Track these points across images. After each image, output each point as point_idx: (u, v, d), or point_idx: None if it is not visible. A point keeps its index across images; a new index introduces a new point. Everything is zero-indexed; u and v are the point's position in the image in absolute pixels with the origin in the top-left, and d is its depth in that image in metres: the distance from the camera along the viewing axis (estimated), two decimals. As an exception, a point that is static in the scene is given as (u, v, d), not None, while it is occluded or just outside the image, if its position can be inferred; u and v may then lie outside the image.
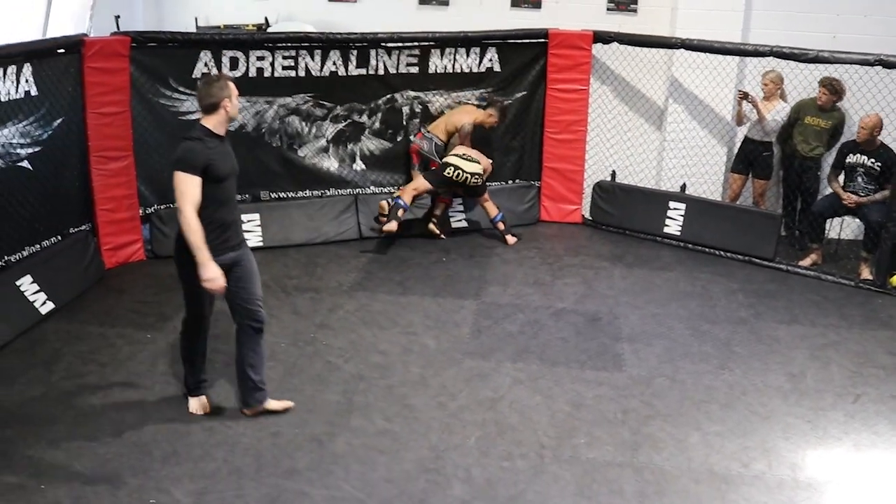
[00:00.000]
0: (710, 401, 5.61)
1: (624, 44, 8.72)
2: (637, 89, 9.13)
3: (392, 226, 7.94)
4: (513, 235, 8.53)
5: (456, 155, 8.25)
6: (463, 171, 8.12)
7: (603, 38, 8.73)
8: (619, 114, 9.21)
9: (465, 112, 8.58)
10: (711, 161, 8.96)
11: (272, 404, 5.29)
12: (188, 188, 4.71)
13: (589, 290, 7.42)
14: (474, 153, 8.33)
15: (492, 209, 8.48)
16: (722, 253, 8.27)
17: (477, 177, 8.20)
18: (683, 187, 8.78)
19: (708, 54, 8.41)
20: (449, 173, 8.15)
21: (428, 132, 8.55)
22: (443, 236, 8.58)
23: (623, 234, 8.85)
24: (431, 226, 8.59)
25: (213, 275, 4.80)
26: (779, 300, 7.29)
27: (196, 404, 5.31)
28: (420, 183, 8.23)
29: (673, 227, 8.58)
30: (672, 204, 8.62)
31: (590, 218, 9.16)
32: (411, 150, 8.64)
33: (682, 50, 8.47)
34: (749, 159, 8.58)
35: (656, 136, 9.25)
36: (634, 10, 9.27)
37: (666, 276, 7.76)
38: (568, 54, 8.76)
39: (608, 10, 9.35)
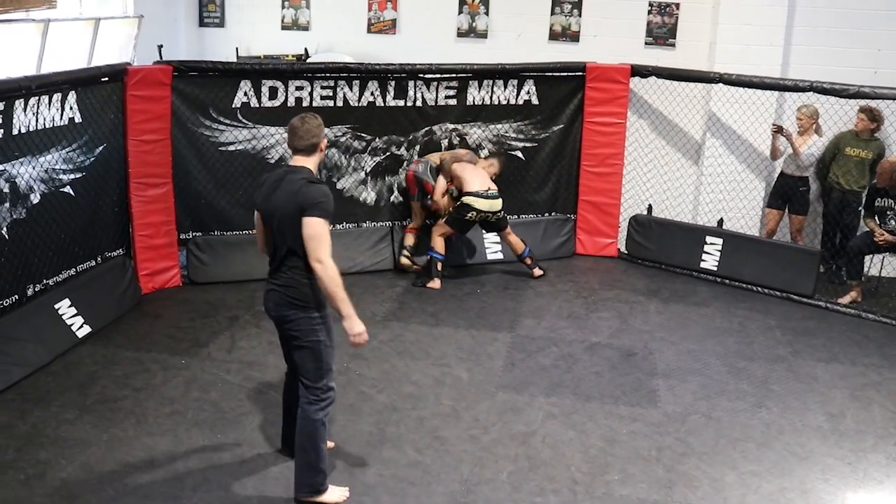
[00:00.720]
0: (747, 439, 5.51)
1: (662, 78, 8.71)
2: (674, 123, 9.11)
3: (436, 283, 7.96)
4: (539, 268, 8.45)
5: (473, 194, 7.86)
6: (482, 211, 7.90)
7: (641, 71, 8.73)
8: (656, 147, 9.19)
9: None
10: (749, 196, 8.88)
11: None
12: (328, 235, 4.37)
13: (624, 324, 7.35)
14: (488, 179, 8.06)
15: (518, 244, 8.34)
16: (759, 289, 8.17)
17: (500, 213, 8.05)
18: (720, 222, 8.70)
19: (747, 89, 8.37)
20: (471, 217, 7.91)
21: (423, 158, 8.49)
22: (416, 266, 8.30)
23: (659, 268, 8.78)
24: (404, 259, 8.33)
25: (362, 328, 4.49)
26: (818, 338, 7.17)
27: (338, 493, 4.72)
28: (443, 229, 8.05)
29: (710, 262, 8.50)
30: (709, 239, 8.55)
31: (625, 252, 9.10)
32: (407, 178, 8.52)
33: (721, 84, 8.44)
34: (785, 194, 8.50)
35: (693, 170, 9.20)
36: (673, 45, 9.28)
37: (702, 312, 7.68)
38: (605, 88, 8.77)
39: (646, 44, 9.37)
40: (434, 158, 8.40)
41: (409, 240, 8.38)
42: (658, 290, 8.21)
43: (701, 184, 9.08)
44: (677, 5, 9.23)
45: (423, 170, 8.39)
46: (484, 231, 8.55)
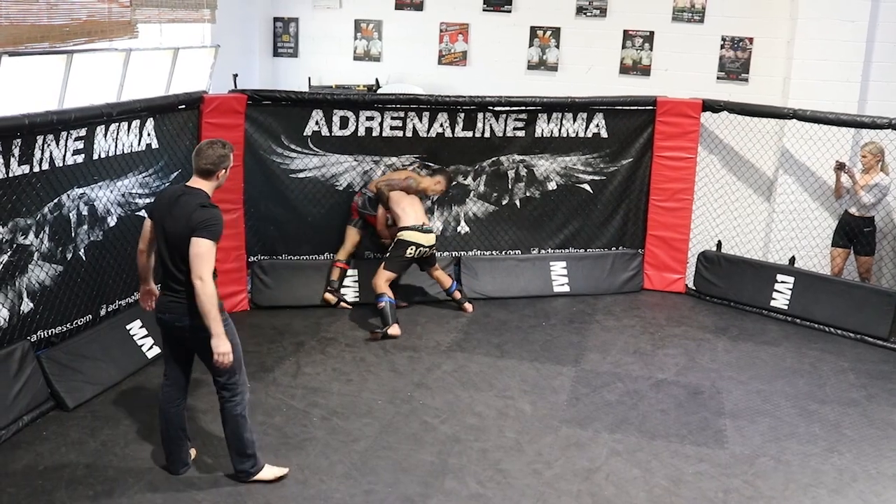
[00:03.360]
0: (818, 485, 5.35)
1: (734, 113, 8.61)
2: (746, 159, 8.99)
3: (396, 329, 7.45)
4: (469, 302, 8.17)
5: (409, 228, 7.65)
6: (422, 245, 7.64)
7: (712, 106, 8.64)
8: (727, 183, 9.06)
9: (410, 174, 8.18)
10: (822, 235, 8.69)
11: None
12: (212, 256, 4.71)
13: (691, 361, 7.23)
14: (422, 212, 7.86)
15: (445, 279, 8.06)
16: (832, 330, 7.97)
17: (434, 247, 7.80)
18: (792, 260, 8.53)
19: (821, 125, 8.23)
20: (411, 253, 7.62)
21: (364, 188, 8.28)
22: (343, 305, 8.11)
23: (727, 305, 8.63)
24: (327, 295, 8.11)
25: (228, 348, 4.74)
26: (893, 382, 6.95)
27: (274, 471, 5.17)
28: (387, 275, 7.60)
29: (780, 300, 8.32)
30: (780, 277, 8.38)
31: (693, 288, 8.97)
32: (352, 208, 8.30)
33: (794, 120, 8.31)
34: (849, 234, 8.29)
35: (765, 206, 9.05)
36: (745, 80, 9.19)
37: (772, 352, 7.51)
38: (676, 122, 8.69)
39: (718, 78, 9.31)
40: (371, 187, 8.12)
41: (334, 273, 8.16)
42: (726, 327, 8.07)
43: (772, 221, 8.93)
44: (751, 40, 9.15)
45: (362, 203, 8.17)
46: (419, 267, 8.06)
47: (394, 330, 7.42)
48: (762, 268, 8.59)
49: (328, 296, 8.11)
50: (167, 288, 4.88)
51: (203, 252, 4.64)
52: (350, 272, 8.22)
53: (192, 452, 5.32)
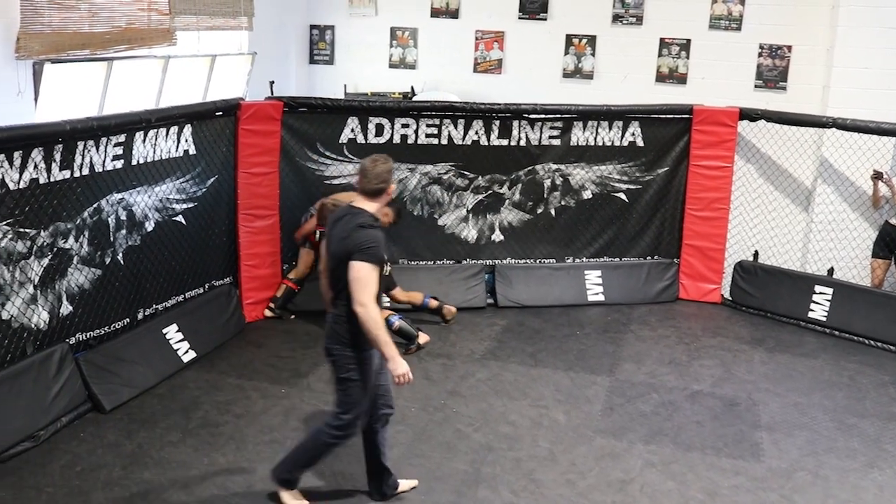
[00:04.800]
0: (857, 501, 5.26)
1: (772, 121, 8.53)
2: (784, 168, 8.89)
3: (424, 337, 7.35)
4: (450, 305, 7.93)
5: None
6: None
7: (750, 115, 8.56)
8: (764, 193, 8.97)
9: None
10: (862, 245, 8.57)
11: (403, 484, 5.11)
12: (373, 280, 4.46)
13: (727, 373, 7.15)
14: None
15: (415, 296, 7.76)
16: (871, 342, 7.85)
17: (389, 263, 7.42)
18: (831, 271, 8.42)
19: (862, 134, 8.12)
20: (387, 272, 7.49)
21: (312, 207, 7.99)
22: (278, 315, 7.89)
23: (764, 316, 8.53)
24: (267, 311, 7.90)
25: (405, 368, 4.52)
26: (935, 397, 6.85)
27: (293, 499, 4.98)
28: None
29: (818, 311, 8.21)
30: (818, 288, 8.27)
31: (729, 298, 8.88)
32: (305, 228, 8.01)
33: (834, 129, 8.21)
34: (890, 245, 8.17)
35: (803, 216, 8.94)
36: (784, 88, 9.10)
37: (809, 364, 7.41)
38: (713, 131, 8.62)
39: (756, 87, 9.23)
40: (325, 201, 7.60)
41: (280, 290, 7.91)
42: (763, 338, 7.97)
43: (810, 231, 8.82)
44: (789, 48, 9.05)
45: (305, 220, 8.01)
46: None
47: (423, 338, 7.34)
48: (800, 278, 8.49)
49: (267, 312, 7.88)
50: (329, 310, 4.73)
51: (362, 276, 4.41)
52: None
53: (402, 485, 5.10)
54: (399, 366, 4.48)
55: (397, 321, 7.25)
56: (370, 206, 4.61)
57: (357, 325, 4.47)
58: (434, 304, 7.85)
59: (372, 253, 4.43)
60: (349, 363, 4.61)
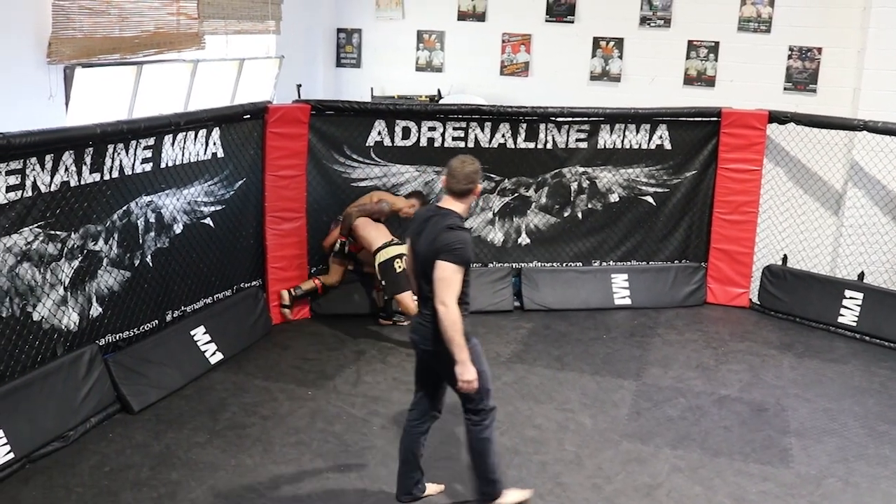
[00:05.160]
0: (889, 508, 5.21)
1: (801, 124, 8.44)
2: (813, 172, 8.80)
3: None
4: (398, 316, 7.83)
5: (385, 245, 7.45)
6: (405, 254, 7.06)
7: (779, 118, 8.49)
8: (794, 196, 8.88)
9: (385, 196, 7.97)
10: (894, 249, 8.46)
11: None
12: (457, 281, 4.51)
13: (755, 378, 7.09)
14: (384, 230, 7.64)
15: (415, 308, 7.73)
16: (903, 348, 7.77)
17: (403, 259, 7.30)
18: (861, 276, 8.33)
19: (893, 137, 8.03)
20: (399, 265, 7.31)
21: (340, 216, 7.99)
22: (288, 315, 7.87)
23: (793, 321, 8.44)
24: (284, 310, 7.86)
25: (473, 375, 4.58)
26: (967, 403, 6.75)
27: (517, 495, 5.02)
28: (407, 295, 7.19)
29: (848, 317, 8.12)
30: (848, 293, 8.18)
31: (758, 303, 8.80)
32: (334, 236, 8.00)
33: (865, 132, 8.12)
34: None
35: (832, 220, 8.85)
36: (814, 90, 9.02)
37: (839, 369, 7.33)
38: (741, 134, 8.56)
39: (785, 89, 9.15)
40: (349, 210, 7.75)
41: (306, 283, 7.92)
42: (792, 343, 7.90)
43: (840, 235, 8.73)
44: (819, 50, 8.97)
45: (333, 225, 8.05)
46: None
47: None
48: (830, 283, 8.40)
49: (283, 292, 7.83)
50: (419, 312, 4.81)
51: (447, 276, 4.46)
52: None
53: (429, 489, 5.11)
54: (468, 371, 4.54)
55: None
56: (458, 207, 4.67)
57: (465, 319, 4.56)
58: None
59: (458, 254, 4.49)
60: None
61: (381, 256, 7.42)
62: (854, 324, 8.08)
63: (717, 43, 9.38)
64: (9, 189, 5.24)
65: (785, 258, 8.77)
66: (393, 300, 7.71)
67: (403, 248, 7.36)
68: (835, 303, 8.23)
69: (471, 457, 4.90)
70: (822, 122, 8.36)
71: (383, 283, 7.48)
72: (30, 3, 6.55)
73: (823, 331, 8.21)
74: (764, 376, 7.12)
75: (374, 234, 7.58)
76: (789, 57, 9.12)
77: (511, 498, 4.96)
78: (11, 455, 5.16)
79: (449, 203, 4.68)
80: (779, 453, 5.82)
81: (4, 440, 5.15)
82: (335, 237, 7.83)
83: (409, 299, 7.18)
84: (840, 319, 8.17)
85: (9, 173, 5.22)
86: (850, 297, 8.16)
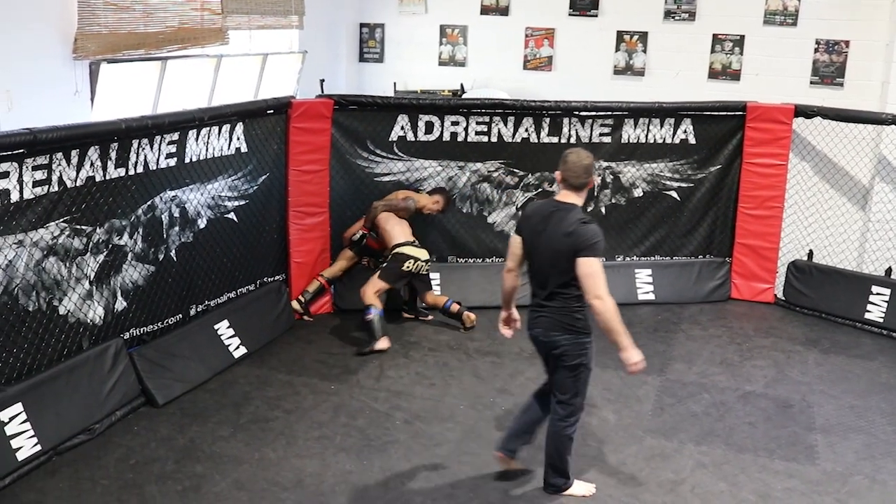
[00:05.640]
0: (916, 505, 5.16)
1: (828, 118, 8.36)
2: (840, 166, 8.70)
3: (384, 342, 7.15)
4: (471, 311, 7.76)
5: (405, 243, 7.52)
6: (419, 259, 7.49)
7: (805, 112, 8.41)
8: (820, 191, 8.79)
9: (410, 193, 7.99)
10: (922, 245, 8.38)
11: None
12: (603, 272, 4.62)
13: (780, 374, 7.03)
14: (410, 231, 7.67)
15: (439, 300, 7.73)
16: (931, 344, 7.68)
17: (429, 263, 7.66)
18: (889, 271, 8.24)
19: (923, 132, 7.94)
20: (408, 267, 7.43)
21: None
22: (305, 316, 7.82)
23: (819, 317, 8.37)
24: (295, 304, 7.79)
25: (640, 357, 4.72)
26: None
27: (583, 488, 5.16)
28: (379, 285, 7.37)
29: (875, 313, 8.04)
30: (875, 289, 8.09)
31: (783, 298, 8.73)
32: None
33: (893, 126, 8.02)
34: None
35: (859, 215, 8.75)
36: (840, 84, 8.90)
37: (866, 366, 7.25)
38: (767, 128, 8.48)
39: (812, 83, 9.04)
40: (375, 204, 7.78)
41: (312, 285, 7.87)
42: (817, 339, 7.83)
43: (867, 230, 8.63)
44: (847, 43, 8.86)
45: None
46: (408, 290, 7.89)
47: (382, 343, 7.12)
48: (856, 279, 8.32)
49: (295, 304, 7.80)
50: (536, 304, 4.89)
51: (595, 271, 4.57)
52: (433, 275, 8.19)
53: (512, 464, 5.29)
54: (634, 355, 4.68)
55: (374, 315, 7.17)
56: (578, 200, 4.76)
57: (583, 313, 4.74)
58: (455, 308, 7.72)
59: (599, 248, 4.61)
60: (581, 350, 4.80)
61: (401, 250, 7.46)
62: (881, 320, 7.99)
63: (742, 36, 9.29)
64: (35, 184, 5.29)
65: (811, 253, 8.70)
66: (420, 297, 7.77)
67: (420, 253, 7.49)
68: (861, 298, 8.14)
69: (547, 447, 5.04)
70: (849, 117, 8.27)
71: (383, 265, 7.51)
72: (56, -1, 6.60)
73: (850, 327, 8.13)
74: (789, 372, 7.06)
75: (398, 230, 7.60)
76: (816, 50, 9.01)
77: (578, 490, 5.09)
78: (39, 447, 5.21)
79: (568, 197, 4.76)
80: (804, 450, 5.77)
81: (32, 433, 5.20)
82: (357, 228, 7.84)
83: (373, 289, 7.29)
84: (867, 315, 8.09)
85: (35, 168, 5.27)
86: (878, 293, 8.07)
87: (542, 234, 4.74)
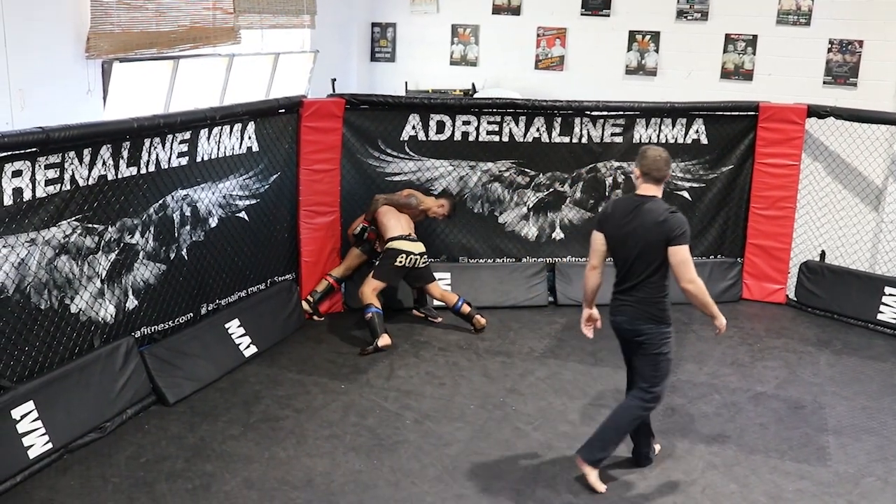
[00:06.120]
0: (929, 508, 5.12)
1: (841, 118, 8.32)
2: (853, 167, 8.66)
3: (386, 339, 7.14)
4: (481, 316, 7.67)
5: (399, 237, 7.47)
6: (412, 253, 7.43)
7: (818, 112, 8.37)
8: (832, 191, 8.75)
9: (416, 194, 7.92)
10: (935, 246, 8.33)
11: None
12: (691, 258, 4.95)
13: (792, 375, 7.00)
14: (409, 225, 7.63)
15: (449, 297, 7.65)
16: (944, 346, 7.63)
17: (425, 256, 7.56)
18: (902, 272, 8.21)
19: (936, 132, 7.90)
20: (401, 262, 7.38)
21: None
22: (314, 316, 7.80)
23: (831, 318, 8.33)
24: (305, 304, 7.79)
25: (724, 320, 5.17)
26: None
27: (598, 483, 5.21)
28: (374, 284, 7.38)
29: (888, 314, 7.99)
30: (888, 290, 8.05)
31: (794, 299, 8.69)
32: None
33: (907, 127, 7.99)
34: None
35: (872, 216, 8.71)
36: (854, 84, 8.86)
37: (878, 367, 7.21)
38: (779, 128, 8.45)
39: (825, 83, 9.00)
40: (377, 196, 7.78)
41: (320, 285, 7.86)
42: (829, 340, 7.79)
43: (880, 231, 8.59)
44: (860, 43, 8.81)
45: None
46: (411, 287, 7.90)
47: (384, 341, 7.11)
48: (869, 279, 8.28)
49: (305, 305, 7.79)
50: (622, 292, 5.10)
51: (687, 258, 4.89)
52: (444, 275, 8.20)
53: (657, 448, 5.54)
54: (723, 319, 5.13)
55: (372, 313, 7.17)
56: (659, 192, 5.03)
57: (665, 303, 5.03)
58: (466, 309, 7.65)
59: (687, 235, 4.91)
60: (663, 339, 5.05)
61: (393, 244, 7.44)
62: (894, 321, 7.95)
63: (755, 36, 9.25)
64: (48, 182, 5.31)
65: (823, 254, 8.66)
66: (428, 294, 7.77)
67: (414, 246, 7.46)
68: (874, 299, 8.10)
69: (609, 421, 5.18)
70: (862, 117, 8.23)
71: (376, 263, 7.52)
72: (69, -2, 6.63)
73: (862, 328, 8.09)
74: (801, 373, 7.03)
75: (393, 223, 7.57)
76: (829, 50, 8.97)
77: (593, 478, 5.16)
78: (50, 445, 5.23)
79: (650, 190, 5.01)
80: (816, 451, 5.75)
81: (43, 430, 5.23)
82: (359, 222, 7.84)
83: (370, 288, 7.33)
84: (879, 316, 8.04)
85: (48, 167, 5.29)
86: (890, 294, 8.03)
87: (630, 227, 4.97)
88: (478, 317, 7.67)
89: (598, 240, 5.15)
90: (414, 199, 7.78)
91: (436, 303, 7.91)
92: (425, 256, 7.59)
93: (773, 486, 5.30)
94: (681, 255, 4.87)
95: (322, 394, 6.35)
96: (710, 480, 5.34)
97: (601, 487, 5.14)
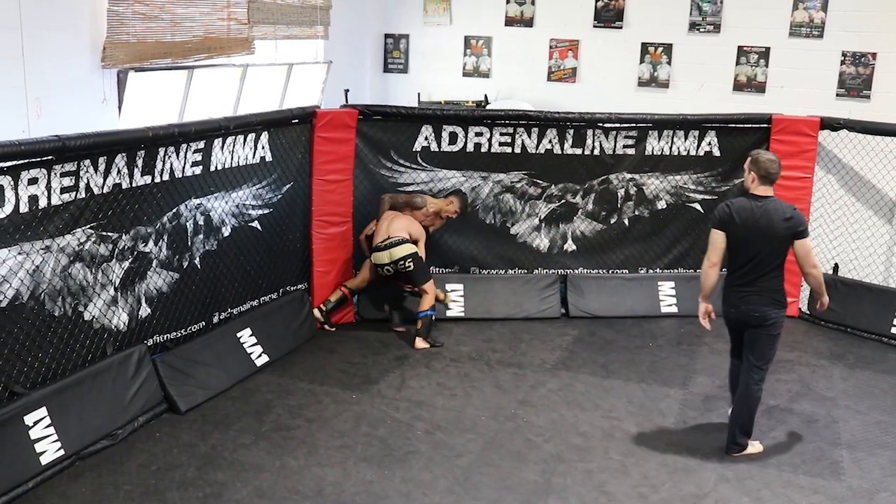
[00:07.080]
0: (944, 524, 5.08)
1: (854, 131, 8.29)
2: (867, 179, 8.63)
3: (422, 343, 7.45)
4: (425, 341, 7.50)
5: (374, 250, 7.59)
6: (380, 265, 7.55)
7: (831, 124, 8.35)
8: (845, 204, 8.71)
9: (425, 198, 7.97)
10: (949, 260, 8.29)
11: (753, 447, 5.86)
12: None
13: (805, 388, 6.97)
14: (394, 228, 7.55)
15: (424, 302, 7.54)
16: (959, 360, 7.58)
17: (409, 259, 7.45)
18: (916, 286, 8.16)
19: (950, 146, 7.86)
20: (384, 272, 7.61)
21: None
22: (326, 326, 7.80)
23: (844, 331, 8.29)
24: (316, 312, 7.79)
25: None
26: None
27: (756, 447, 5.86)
28: (431, 291, 7.57)
29: (902, 328, 7.97)
30: (902, 303, 8.02)
31: (807, 312, 8.65)
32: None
33: (921, 140, 7.96)
34: None
35: (886, 229, 8.67)
36: (867, 96, 8.86)
37: (892, 381, 7.17)
38: (792, 140, 8.43)
39: (838, 95, 9.00)
40: (384, 196, 7.86)
41: (334, 294, 7.87)
42: (843, 354, 7.75)
43: (894, 244, 8.55)
44: (874, 55, 8.80)
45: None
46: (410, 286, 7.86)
47: (419, 344, 7.47)
48: (883, 293, 8.24)
49: (317, 313, 7.78)
50: (746, 284, 5.60)
51: (811, 248, 5.64)
52: (456, 286, 8.20)
53: (757, 447, 5.89)
54: (826, 297, 5.78)
55: (429, 314, 7.53)
56: (772, 192, 5.59)
57: (784, 289, 5.67)
58: (418, 325, 7.58)
59: (808, 228, 5.57)
60: (781, 322, 5.66)
61: (372, 258, 7.65)
62: (908, 335, 7.92)
63: (767, 48, 9.26)
64: (63, 190, 5.33)
65: (836, 267, 8.62)
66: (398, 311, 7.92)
67: (381, 257, 7.52)
68: (888, 313, 8.06)
69: (738, 409, 5.77)
70: (876, 129, 8.20)
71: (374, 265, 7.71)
72: (86, 8, 6.68)
73: (876, 342, 8.05)
74: (814, 387, 7.00)
75: (381, 226, 7.61)
76: (842, 62, 8.97)
77: (753, 448, 5.80)
78: (62, 452, 5.25)
79: (764, 191, 5.57)
80: (829, 465, 5.71)
81: (55, 437, 5.24)
82: (372, 225, 7.85)
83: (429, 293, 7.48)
84: (893, 330, 8.00)
85: (63, 175, 5.31)
86: (904, 308, 7.99)
87: (757, 225, 5.48)
88: (419, 339, 7.51)
89: (720, 238, 5.63)
90: (419, 199, 7.83)
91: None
92: (409, 260, 7.46)
93: (785, 500, 5.27)
94: (808, 246, 5.54)
95: (333, 404, 6.35)
96: (722, 494, 5.31)
97: (758, 447, 5.83)
